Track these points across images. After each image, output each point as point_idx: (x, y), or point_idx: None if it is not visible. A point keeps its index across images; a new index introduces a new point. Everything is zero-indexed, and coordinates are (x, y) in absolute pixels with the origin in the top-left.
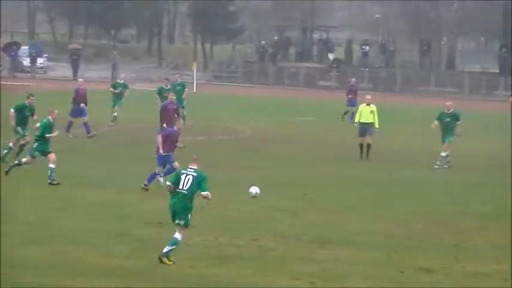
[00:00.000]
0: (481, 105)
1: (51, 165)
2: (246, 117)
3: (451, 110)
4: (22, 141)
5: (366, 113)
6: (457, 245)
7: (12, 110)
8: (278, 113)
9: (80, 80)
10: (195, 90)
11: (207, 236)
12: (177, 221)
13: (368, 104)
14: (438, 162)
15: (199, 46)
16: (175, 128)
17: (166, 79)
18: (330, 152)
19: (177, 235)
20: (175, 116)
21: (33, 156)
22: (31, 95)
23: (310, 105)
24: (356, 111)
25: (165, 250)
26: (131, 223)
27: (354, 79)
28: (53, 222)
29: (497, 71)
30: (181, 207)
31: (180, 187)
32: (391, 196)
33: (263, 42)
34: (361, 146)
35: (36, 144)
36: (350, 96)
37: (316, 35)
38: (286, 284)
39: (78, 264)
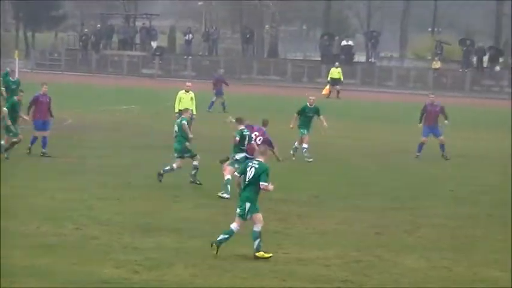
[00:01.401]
0: (304, 92)
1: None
2: (69, 105)
3: (314, 105)
4: (15, 139)
5: (186, 100)
6: (280, 232)
7: (5, 109)
8: (101, 101)
9: None
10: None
11: (28, 225)
12: (248, 215)
13: (187, 91)
14: (306, 155)
15: (21, 34)
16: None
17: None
18: (155, 140)
19: (256, 227)
20: (48, 109)
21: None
22: (21, 90)
23: (133, 93)
24: (216, 99)
25: (255, 244)
26: None
27: (222, 70)
28: None
29: (319, 58)
30: (246, 199)
31: (246, 179)
32: (214, 184)
33: (86, 30)
34: None
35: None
36: (218, 86)
37: (139, 23)
38: (110, 272)
39: None
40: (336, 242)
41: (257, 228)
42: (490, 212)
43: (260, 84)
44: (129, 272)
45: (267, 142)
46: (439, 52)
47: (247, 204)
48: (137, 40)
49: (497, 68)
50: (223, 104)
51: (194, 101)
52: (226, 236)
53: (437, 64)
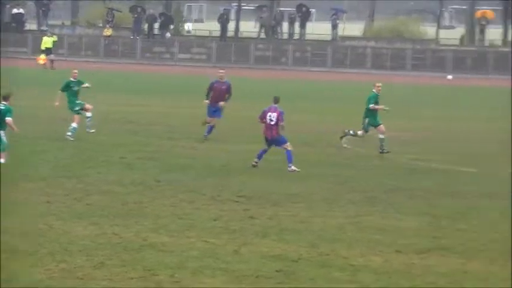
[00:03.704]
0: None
1: (381, 136)
2: None
3: (78, 78)
4: None
5: None
6: None
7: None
8: None
9: None
10: None
11: None
12: None
13: None
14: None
15: None
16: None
17: None
18: None
19: None
20: None
21: (366, 131)
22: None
23: None
24: None
25: None
26: None
27: None
28: None
29: None
30: None
31: None
32: None
33: None
34: None
35: (367, 119)
36: None
37: None
38: None
39: None
40: None
41: None
42: (157, 178)
43: None
44: None
45: (280, 117)
46: (110, 19)
47: None
48: None
49: (168, 34)
50: None
51: None
52: None
53: (108, 31)
